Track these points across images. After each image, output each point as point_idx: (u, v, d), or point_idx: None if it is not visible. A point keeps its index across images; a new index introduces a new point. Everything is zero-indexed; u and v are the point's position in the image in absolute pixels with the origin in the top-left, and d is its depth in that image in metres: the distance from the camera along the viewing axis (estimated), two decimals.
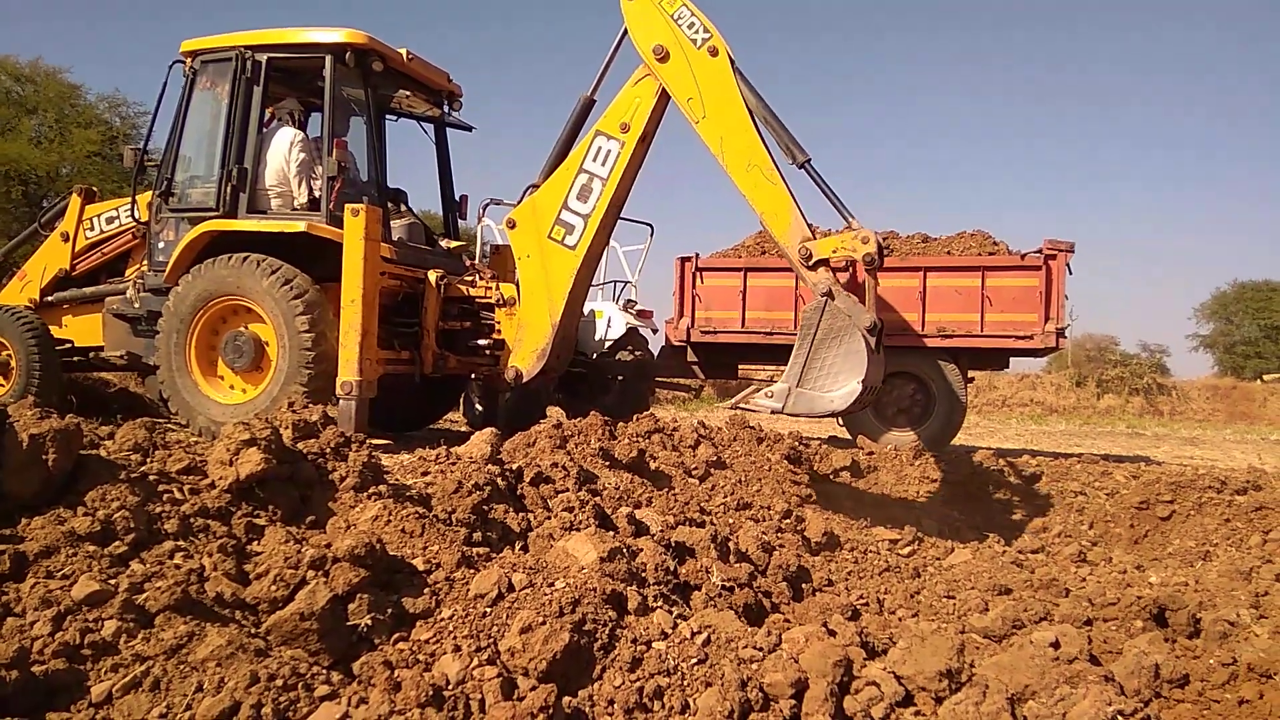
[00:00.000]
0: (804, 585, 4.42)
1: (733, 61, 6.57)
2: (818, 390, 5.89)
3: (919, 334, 9.27)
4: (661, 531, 4.17)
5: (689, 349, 10.13)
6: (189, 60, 7.58)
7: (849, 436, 9.52)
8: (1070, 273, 9.12)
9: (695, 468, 5.80)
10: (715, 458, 5.99)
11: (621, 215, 7.45)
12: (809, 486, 6.07)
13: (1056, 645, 3.15)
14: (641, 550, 3.65)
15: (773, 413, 6.11)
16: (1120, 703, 2.77)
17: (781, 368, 13.08)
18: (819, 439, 9.45)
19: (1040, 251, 9.13)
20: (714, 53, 6.48)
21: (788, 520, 5.27)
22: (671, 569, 3.65)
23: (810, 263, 6.10)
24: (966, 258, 9.42)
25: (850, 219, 6.19)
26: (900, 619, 4.08)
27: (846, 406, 5.91)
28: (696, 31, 6.52)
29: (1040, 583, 4.37)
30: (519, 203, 7.15)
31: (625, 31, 6.74)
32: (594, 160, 6.86)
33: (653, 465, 5.62)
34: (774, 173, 6.31)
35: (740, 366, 11.10)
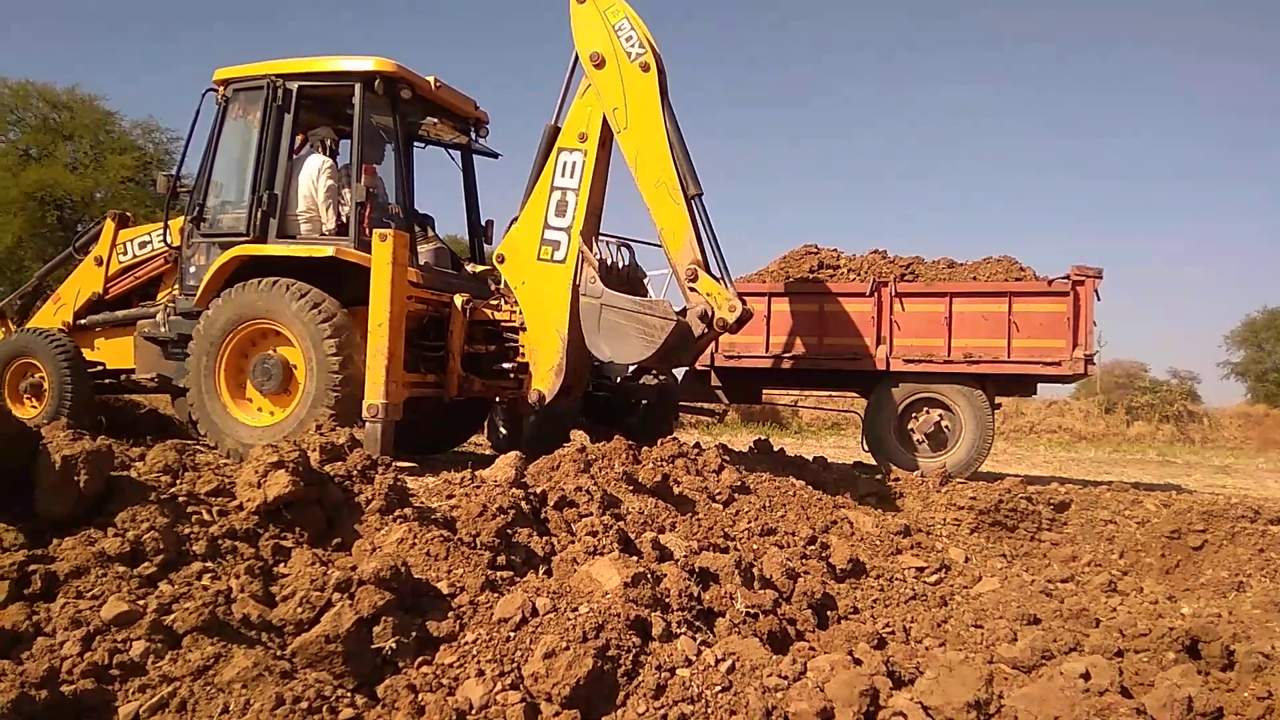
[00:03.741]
0: (829, 613, 4.38)
1: (663, 82, 7.00)
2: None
3: (945, 360, 9.21)
4: (685, 557, 4.16)
5: (713, 374, 10.12)
6: (221, 89, 7.72)
7: (874, 462, 9.46)
8: (1099, 299, 9.05)
9: (719, 492, 5.78)
10: (740, 482, 5.96)
11: (643, 240, 7.67)
12: (834, 513, 6.02)
13: (1087, 677, 3.11)
14: (665, 576, 3.65)
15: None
16: None
17: (806, 392, 13.05)
18: (845, 464, 9.40)
19: (1068, 277, 9.06)
20: (645, 69, 6.94)
21: (812, 546, 5.23)
22: (695, 595, 3.64)
23: (693, 284, 6.79)
24: (993, 283, 9.37)
25: (729, 283, 6.90)
26: (927, 648, 4.03)
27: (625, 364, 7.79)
28: (633, 45, 6.96)
29: (1070, 613, 4.31)
30: (504, 238, 7.49)
31: (576, 56, 7.14)
32: (563, 175, 7.24)
33: (676, 490, 5.61)
34: (679, 194, 6.83)
35: (764, 391, 11.08)
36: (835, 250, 10.30)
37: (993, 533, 6.46)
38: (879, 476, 7.72)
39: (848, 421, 21.36)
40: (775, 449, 8.56)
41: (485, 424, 10.31)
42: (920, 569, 5.41)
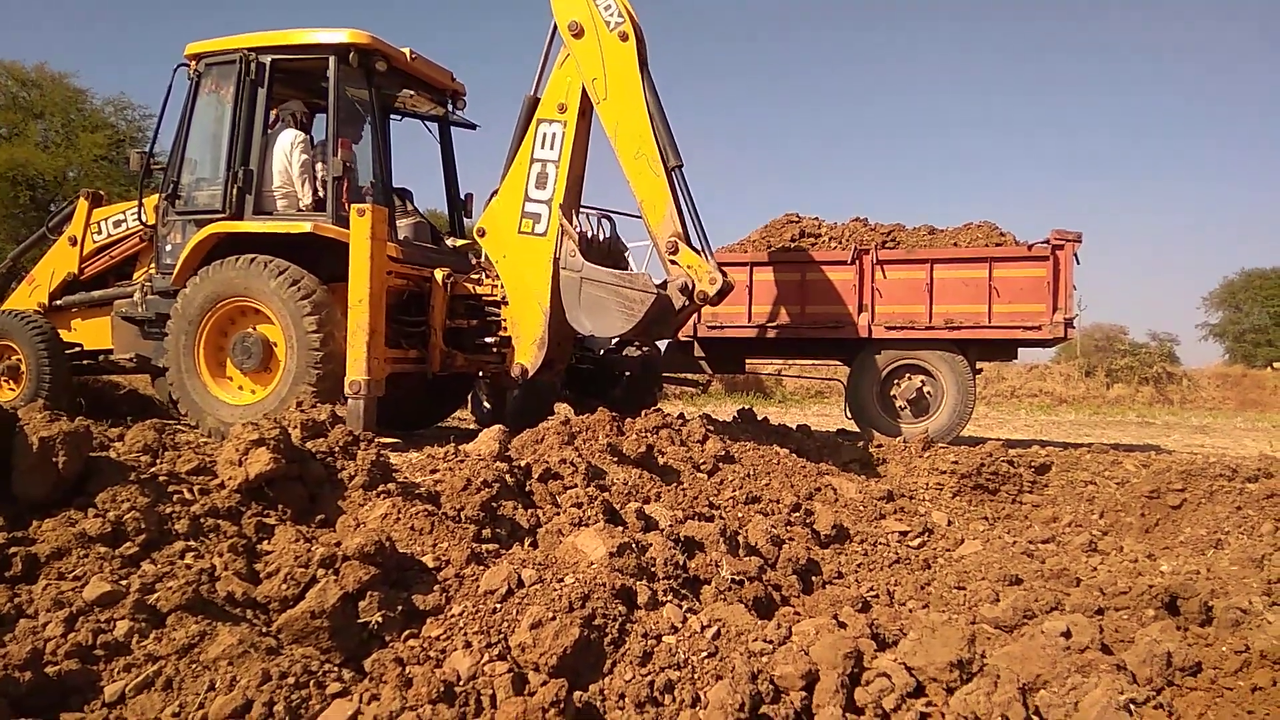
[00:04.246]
0: (814, 578, 4.42)
1: (643, 52, 6.95)
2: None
3: (927, 326, 9.25)
4: (670, 526, 4.18)
5: (696, 344, 10.14)
6: (193, 63, 7.59)
7: (857, 429, 9.51)
8: (1078, 263, 9.11)
9: (704, 462, 5.80)
10: (724, 452, 5.98)
11: (624, 212, 7.62)
12: (818, 480, 6.06)
13: (1068, 635, 3.15)
14: (651, 545, 3.66)
15: None
16: (1132, 691, 2.77)
17: (790, 361, 13.09)
18: (828, 432, 9.45)
19: (1048, 242, 9.10)
20: (624, 38, 6.89)
21: (797, 514, 5.26)
22: (681, 563, 3.65)
23: (673, 256, 6.76)
24: (974, 249, 9.40)
25: (709, 255, 6.87)
26: (911, 611, 4.07)
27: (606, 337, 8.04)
28: (612, 14, 6.90)
29: (1051, 573, 4.36)
30: (484, 212, 7.43)
31: (555, 27, 7.06)
32: (543, 147, 7.18)
33: (661, 460, 5.62)
34: (659, 165, 6.79)
35: (747, 361, 11.11)
36: (816, 219, 10.30)
37: (975, 496, 6.51)
38: (862, 443, 7.76)
39: (831, 389, 21.46)
40: (759, 418, 8.59)
41: (468, 399, 10.29)
42: (904, 533, 5.45)
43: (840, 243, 9.82)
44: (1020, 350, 10.10)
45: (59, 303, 8.48)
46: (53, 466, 3.30)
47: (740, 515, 5.03)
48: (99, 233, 8.43)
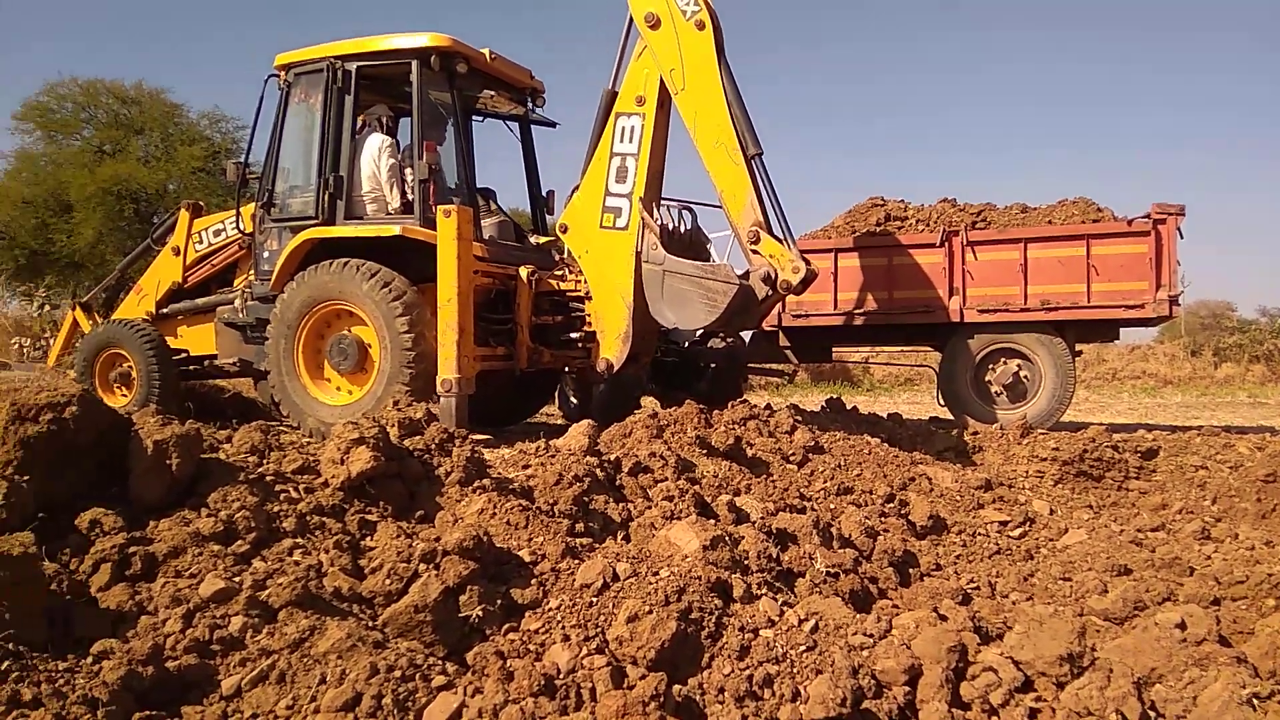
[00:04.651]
0: (911, 570, 4.34)
1: (719, 39, 6.88)
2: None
3: (1021, 308, 8.95)
4: (762, 518, 4.15)
5: (780, 334, 10.02)
6: (283, 74, 7.83)
7: (951, 416, 9.28)
8: (1181, 237, 8.68)
9: (793, 453, 5.74)
10: (813, 442, 5.91)
11: (705, 202, 7.60)
12: (912, 469, 5.94)
13: (1183, 626, 3.02)
14: (743, 538, 3.64)
15: None
16: (1255, 685, 2.64)
17: (877, 348, 12.85)
18: (920, 420, 9.25)
19: (1149, 216, 8.70)
20: (700, 26, 6.83)
21: (891, 504, 5.18)
22: (775, 556, 3.63)
23: (755, 245, 6.66)
24: (1069, 226, 9.05)
25: (791, 243, 6.75)
26: (1014, 603, 3.96)
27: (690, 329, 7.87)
28: (688, 4, 6.86)
29: (1162, 562, 4.18)
30: (564, 208, 7.50)
31: (631, 19, 7.07)
32: (622, 141, 7.20)
33: (750, 452, 5.59)
34: (738, 154, 6.73)
35: (834, 349, 10.93)
36: (902, 201, 10.06)
37: (1078, 483, 6.29)
38: (956, 431, 7.57)
39: (921, 376, 20.98)
40: (848, 407, 8.46)
41: (555, 394, 10.40)
42: (1003, 523, 5.31)
43: (928, 225, 9.56)
44: (1122, 330, 9.69)
45: (165, 311, 8.86)
46: (167, 469, 3.45)
47: (832, 507, 4.96)
48: (200, 242, 8.78)
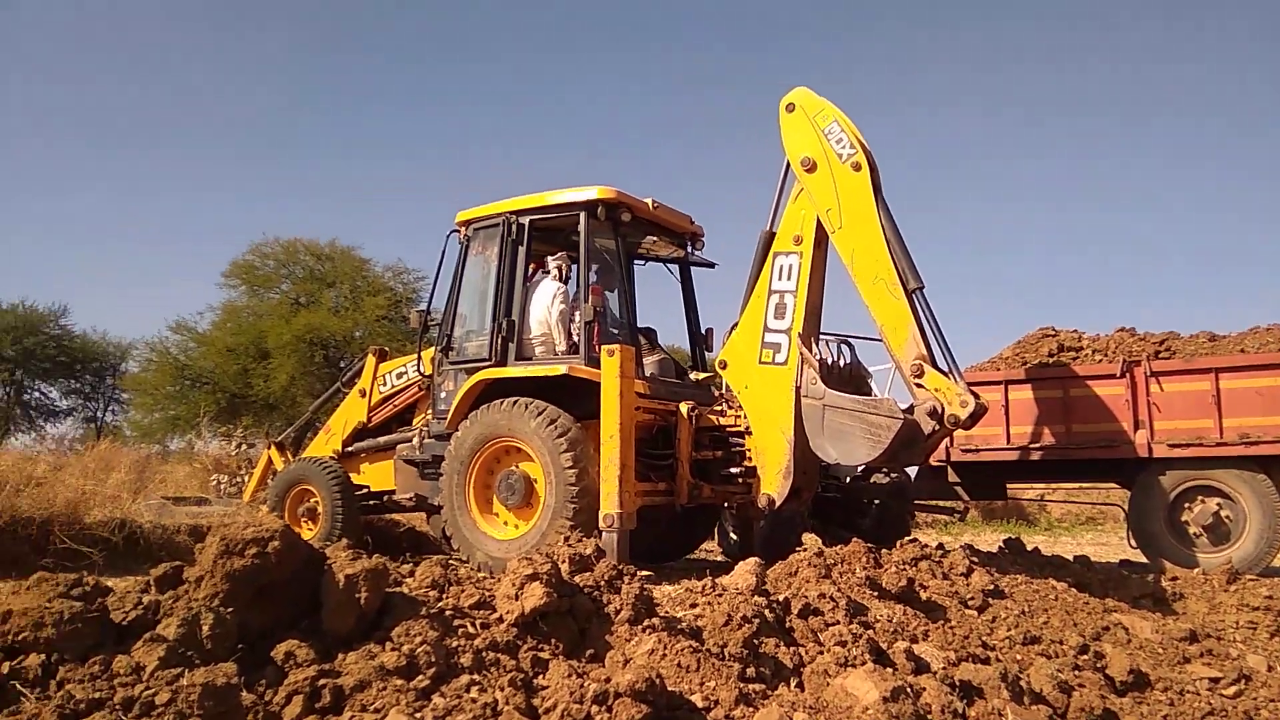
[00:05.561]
0: None
1: (876, 179, 6.97)
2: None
3: (1218, 442, 8.30)
4: (944, 668, 3.92)
5: (949, 469, 9.63)
6: (463, 229, 8.51)
7: (1144, 559, 8.57)
8: None
9: (971, 597, 5.43)
10: (993, 586, 5.58)
11: (864, 336, 7.59)
12: (1105, 617, 5.48)
13: None
14: (925, 689, 3.44)
15: None
16: None
17: (1054, 485, 12.12)
18: (1110, 563, 8.59)
19: None
20: (857, 168, 6.96)
21: (1085, 656, 4.77)
22: (960, 711, 3.40)
23: (919, 379, 6.56)
24: (1266, 355, 8.43)
25: (958, 377, 6.62)
26: None
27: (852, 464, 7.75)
28: (844, 146, 7.02)
29: None
30: (723, 344, 7.64)
31: (788, 164, 7.28)
32: (780, 279, 7.33)
33: (923, 595, 5.33)
34: (898, 289, 6.71)
35: (1008, 485, 10.40)
36: (1075, 331, 9.68)
37: None
38: (1152, 576, 6.97)
39: (1104, 515, 19.53)
40: (1028, 548, 7.97)
41: (715, 530, 10.30)
42: (1214, 680, 4.79)
43: (1106, 355, 9.13)
44: None
45: (350, 449, 9.46)
46: (356, 602, 3.62)
47: (1019, 657, 4.62)
48: (384, 384, 9.41)
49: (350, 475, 9.02)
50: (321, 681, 3.24)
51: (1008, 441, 9.08)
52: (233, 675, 3.07)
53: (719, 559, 10.13)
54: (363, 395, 9.47)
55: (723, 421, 7.74)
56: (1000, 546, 7.90)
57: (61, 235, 61.50)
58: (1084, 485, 12.04)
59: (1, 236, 58.14)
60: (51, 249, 60.31)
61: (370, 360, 9.57)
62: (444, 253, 8.61)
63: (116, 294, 64.42)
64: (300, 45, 75.15)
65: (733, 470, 7.74)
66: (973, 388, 6.74)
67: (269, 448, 10.48)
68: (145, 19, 66.69)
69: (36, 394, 33.08)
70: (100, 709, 2.90)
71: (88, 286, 60.11)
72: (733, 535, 10.17)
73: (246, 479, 11.91)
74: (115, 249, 64.24)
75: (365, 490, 9.11)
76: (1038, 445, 9.00)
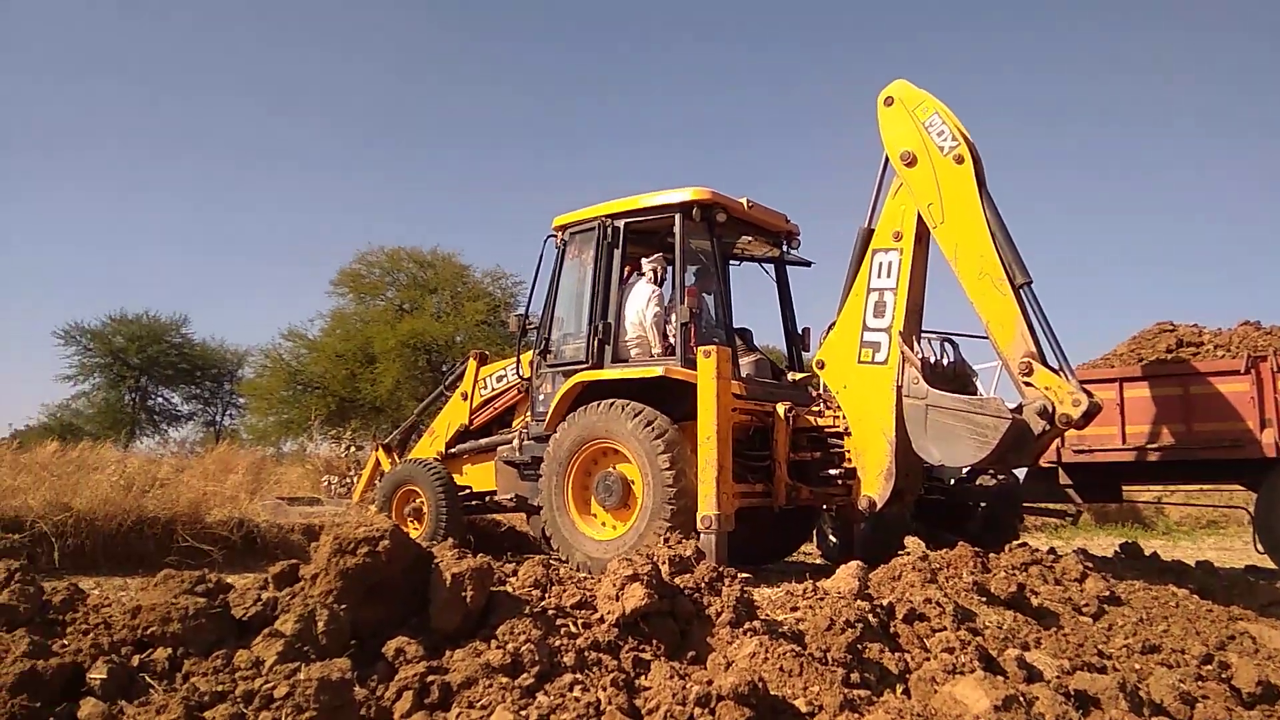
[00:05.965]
0: None
1: (979, 171, 6.74)
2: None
3: None
4: (1058, 678, 3.79)
5: (1060, 471, 9.29)
6: (559, 233, 8.62)
7: (1273, 565, 8.10)
8: None
9: (1085, 604, 5.22)
10: (1108, 592, 5.35)
11: (969, 334, 7.36)
12: (1230, 626, 5.21)
13: None
14: (1038, 699, 3.34)
15: None
16: None
17: (1172, 487, 11.57)
18: (1234, 569, 8.15)
19: None
20: (959, 160, 6.75)
21: (1208, 666, 4.54)
22: None
23: (1027, 377, 6.33)
24: None
25: (1069, 374, 6.31)
26: None
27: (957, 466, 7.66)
28: (945, 139, 6.82)
29: None
30: (820, 344, 7.52)
31: (886, 158, 7.11)
32: (879, 276, 7.16)
33: (1034, 601, 5.15)
34: (1004, 284, 6.47)
35: (1124, 487, 9.97)
36: (1195, 326, 9.22)
37: None
38: None
39: (1227, 519, 18.53)
40: (1146, 553, 7.63)
41: (814, 532, 10.17)
42: None
43: (1229, 350, 8.67)
44: None
45: (453, 451, 9.70)
46: (462, 600, 3.72)
47: (1138, 667, 4.43)
48: (485, 388, 9.61)
49: (453, 476, 9.24)
50: (430, 678, 3.33)
51: (1123, 441, 8.71)
52: (346, 670, 3.18)
53: (817, 562, 10.00)
54: (464, 398, 9.70)
55: (821, 422, 7.64)
56: (1116, 551, 7.60)
57: (181, 245, 65.19)
58: (1205, 487, 11.45)
59: (131, 251, 61.93)
60: (171, 259, 63.99)
61: (471, 364, 9.79)
62: (541, 257, 8.75)
63: (235, 302, 67.81)
64: (387, 70, 77.54)
65: (831, 472, 7.63)
66: (1085, 385, 6.48)
67: (376, 449, 10.83)
68: (272, 43, 70.00)
69: (160, 399, 35.11)
70: (223, 701, 3.04)
71: (206, 295, 63.51)
72: (832, 538, 10.02)
73: (355, 480, 12.32)
74: (229, 261, 67.71)
75: (468, 491, 9.32)
76: (1155, 445, 8.61)
